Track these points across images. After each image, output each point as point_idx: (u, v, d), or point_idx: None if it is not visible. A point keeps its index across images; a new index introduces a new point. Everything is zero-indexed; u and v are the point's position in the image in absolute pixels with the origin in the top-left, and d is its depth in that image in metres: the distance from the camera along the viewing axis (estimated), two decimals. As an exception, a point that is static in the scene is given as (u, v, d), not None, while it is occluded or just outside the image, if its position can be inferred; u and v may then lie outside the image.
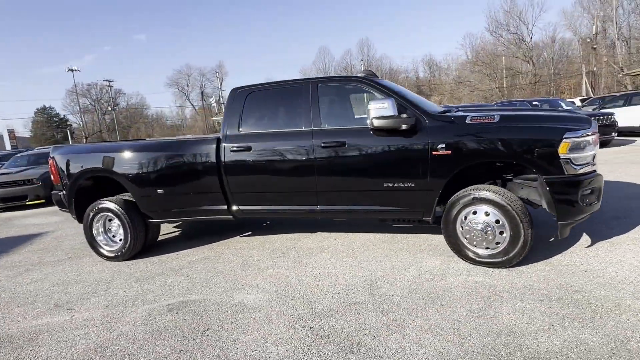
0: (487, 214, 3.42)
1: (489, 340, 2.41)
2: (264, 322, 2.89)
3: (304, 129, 3.93)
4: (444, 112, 3.82)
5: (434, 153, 3.48)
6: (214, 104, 52.32)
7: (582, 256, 3.57)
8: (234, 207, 4.32)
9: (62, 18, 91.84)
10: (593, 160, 3.38)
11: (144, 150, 4.39)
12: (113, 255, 4.56)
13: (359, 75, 4.08)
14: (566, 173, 3.23)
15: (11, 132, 46.43)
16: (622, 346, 2.24)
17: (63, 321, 3.19)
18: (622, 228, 4.22)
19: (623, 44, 38.99)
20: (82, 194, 4.77)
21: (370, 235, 4.71)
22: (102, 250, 4.62)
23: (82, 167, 4.57)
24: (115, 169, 4.42)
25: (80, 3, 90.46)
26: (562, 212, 3.28)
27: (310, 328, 2.74)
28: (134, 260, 4.55)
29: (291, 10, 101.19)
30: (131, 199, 4.61)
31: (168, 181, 4.31)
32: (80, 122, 64.28)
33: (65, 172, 4.71)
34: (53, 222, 7.53)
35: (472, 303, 2.89)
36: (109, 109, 60.85)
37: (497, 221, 3.37)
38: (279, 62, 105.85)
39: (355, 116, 4.17)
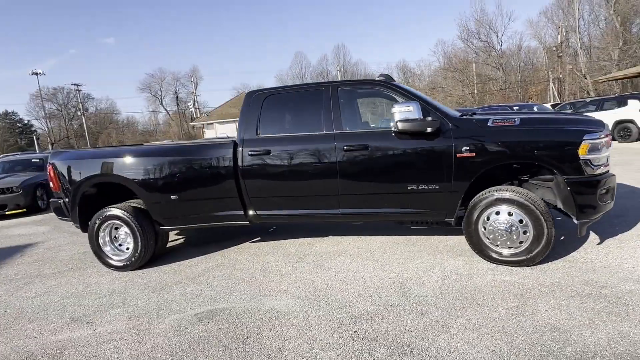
0: (510, 214, 3.52)
1: (536, 337, 2.47)
2: (304, 328, 2.84)
3: (325, 132, 3.92)
4: (463, 115, 3.91)
5: (458, 155, 3.55)
6: (193, 109, 51.22)
7: (596, 253, 3.73)
8: (251, 212, 4.24)
9: (23, 19, 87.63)
10: (607, 161, 3.55)
11: (157, 155, 4.25)
12: (122, 264, 4.37)
13: (378, 78, 4.12)
14: (585, 174, 3.37)
15: (-30, 139, 43.71)
16: (664, 337, 2.35)
17: (86, 335, 3.02)
18: (623, 226, 4.44)
19: (585, 52, 41.27)
20: (85, 202, 4.55)
21: (384, 238, 4.74)
22: (109, 260, 4.42)
23: (88, 173, 4.36)
24: (125, 174, 4.25)
25: (41, 4, 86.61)
26: (582, 211, 3.42)
27: (355, 332, 2.72)
28: (144, 270, 4.38)
29: (266, 16, 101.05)
30: (141, 205, 4.44)
31: (182, 187, 4.19)
32: (46, 128, 61.49)
33: (68, 179, 4.50)
34: (40, 232, 7.14)
35: (508, 301, 2.95)
36: (78, 113, 58.49)
37: (521, 221, 3.48)
38: (255, 67, 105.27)
39: (374, 120, 4.20)
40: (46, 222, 8.13)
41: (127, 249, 4.43)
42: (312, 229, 5.41)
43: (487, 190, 3.64)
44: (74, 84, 53.26)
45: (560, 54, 36.52)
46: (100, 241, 4.43)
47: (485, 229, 3.64)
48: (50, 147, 51.88)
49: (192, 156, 4.21)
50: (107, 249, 4.45)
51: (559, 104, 22.09)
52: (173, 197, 4.21)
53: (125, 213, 4.26)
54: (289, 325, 2.90)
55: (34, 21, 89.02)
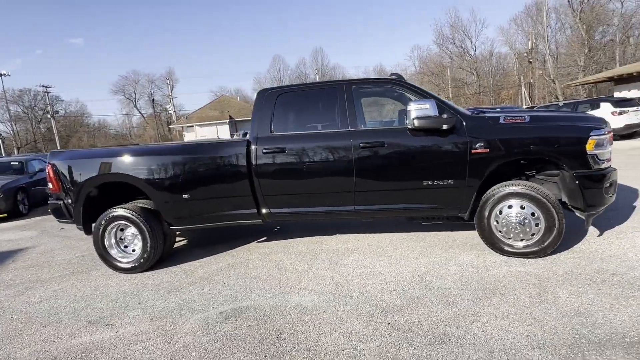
0: (522, 208, 3.66)
1: (565, 322, 2.58)
2: (336, 322, 2.86)
3: (341, 129, 3.96)
4: (474, 113, 4.04)
5: (473, 151, 3.67)
6: (172, 112, 50.06)
7: (599, 244, 3.93)
8: (264, 211, 4.22)
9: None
10: (610, 156, 3.75)
11: (168, 154, 4.16)
12: (130, 266, 4.25)
13: (392, 77, 4.19)
14: (592, 168, 3.55)
15: None
16: (682, 317, 2.51)
17: (109, 337, 2.92)
18: (618, 218, 4.69)
19: (553, 58, 43.21)
20: (89, 204, 4.40)
21: (393, 235, 4.81)
22: (116, 262, 4.28)
23: (93, 173, 4.22)
24: (134, 174, 4.14)
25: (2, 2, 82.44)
26: (589, 204, 3.60)
27: (388, 324, 2.76)
28: (153, 272, 4.27)
29: (243, 20, 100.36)
30: (148, 205, 4.34)
31: (194, 186, 4.12)
32: (11, 132, 58.56)
33: (70, 180, 4.33)
34: (27, 237, 6.81)
35: (529, 290, 3.07)
36: (48, 116, 56.01)
37: (533, 214, 3.62)
38: (232, 70, 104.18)
39: (385, 118, 4.27)
40: (30, 226, 7.77)
41: (134, 250, 4.31)
42: (319, 228, 5.42)
43: (498, 185, 3.77)
44: (42, 86, 51.05)
45: (531, 60, 38.09)
46: (106, 243, 4.29)
47: (497, 222, 3.76)
48: (16, 151, 49.53)
49: (204, 154, 4.15)
50: (113, 252, 4.31)
51: (533, 107, 23.01)
52: (185, 196, 4.13)
53: (134, 213, 4.15)
54: (320, 320, 2.91)
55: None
